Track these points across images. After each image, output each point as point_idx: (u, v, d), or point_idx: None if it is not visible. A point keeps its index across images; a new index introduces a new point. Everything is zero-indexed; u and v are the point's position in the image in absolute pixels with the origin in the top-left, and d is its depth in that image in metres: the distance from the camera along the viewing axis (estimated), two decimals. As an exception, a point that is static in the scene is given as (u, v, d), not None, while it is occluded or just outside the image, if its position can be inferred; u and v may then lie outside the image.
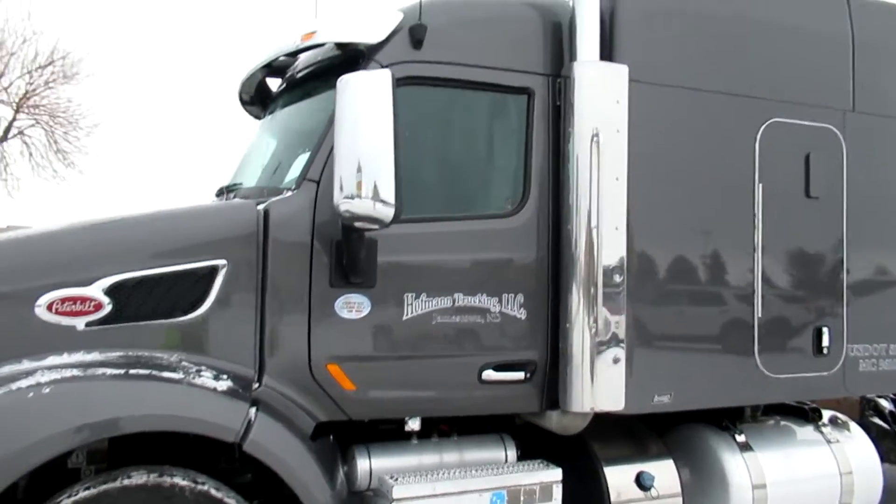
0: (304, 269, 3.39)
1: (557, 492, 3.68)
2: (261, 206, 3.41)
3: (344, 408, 3.49)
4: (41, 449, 2.77)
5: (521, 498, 3.60)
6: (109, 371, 3.03)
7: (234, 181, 4.21)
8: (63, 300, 3.13)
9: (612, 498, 3.95)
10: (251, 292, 3.35)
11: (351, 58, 3.65)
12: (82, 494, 2.88)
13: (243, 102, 4.73)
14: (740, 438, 4.37)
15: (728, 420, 4.44)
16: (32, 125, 20.43)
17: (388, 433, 3.81)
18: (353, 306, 3.45)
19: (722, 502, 4.27)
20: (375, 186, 3.04)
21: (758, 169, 4.16)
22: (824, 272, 4.38)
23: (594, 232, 3.66)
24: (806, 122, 4.32)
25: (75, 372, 2.99)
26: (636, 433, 4.30)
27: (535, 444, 4.09)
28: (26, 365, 3.02)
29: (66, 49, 21.46)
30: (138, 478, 2.95)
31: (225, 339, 3.32)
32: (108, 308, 3.18)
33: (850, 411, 5.80)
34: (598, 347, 3.68)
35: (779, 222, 4.22)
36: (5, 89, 19.72)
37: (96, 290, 3.17)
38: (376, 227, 3.17)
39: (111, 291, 3.19)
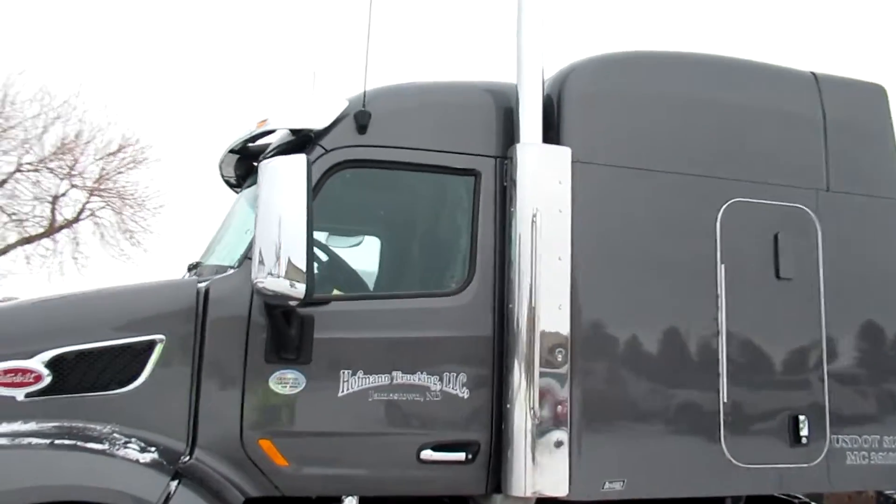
0: (240, 344, 3.48)
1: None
2: (202, 284, 3.54)
3: (277, 483, 3.49)
4: None
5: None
6: (36, 441, 3.15)
7: (201, 258, 4.39)
8: (4, 371, 3.30)
9: None
10: (186, 366, 3.44)
11: (302, 142, 3.83)
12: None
13: (225, 181, 4.96)
14: (713, 536, 4.11)
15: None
16: (103, 207, 21.82)
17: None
18: (287, 382, 3.50)
19: None
20: (289, 265, 3.14)
21: (719, 249, 4.06)
22: (800, 356, 4.16)
23: (535, 311, 3.63)
24: (773, 202, 4.22)
25: (4, 442, 3.12)
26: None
27: None
28: None
29: (136, 136, 22.98)
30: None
31: (158, 412, 3.40)
32: (47, 380, 3.33)
33: (864, 506, 5.42)
34: (540, 429, 3.59)
35: (746, 303, 4.07)
36: (80, 174, 21.23)
37: (37, 363, 3.33)
38: (292, 304, 3.24)
39: (51, 364, 3.34)
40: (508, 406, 3.63)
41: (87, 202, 21.72)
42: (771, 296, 4.15)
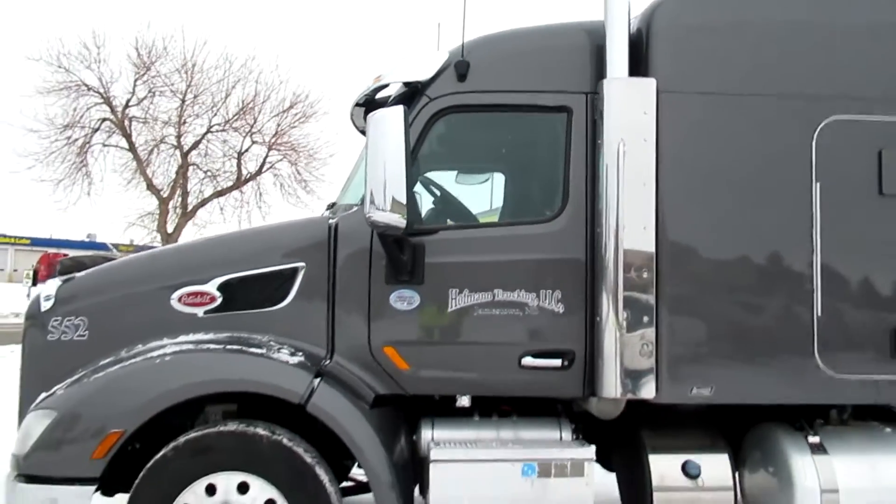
0: (364, 269, 4.15)
1: (589, 468, 4.02)
2: (332, 220, 4.25)
3: (400, 384, 4.17)
4: (160, 399, 3.83)
5: (553, 471, 4.00)
6: (213, 346, 4.04)
7: (337, 198, 5.11)
8: (190, 294, 4.21)
9: (655, 482, 4.17)
10: (323, 288, 4.18)
11: (411, 93, 4.37)
12: (193, 435, 3.88)
13: (358, 131, 5.61)
14: (813, 440, 4.29)
15: (805, 420, 4.40)
16: (280, 160, 24.03)
17: (456, 410, 4.41)
18: (404, 299, 4.14)
19: (789, 502, 4.25)
20: (393, 201, 3.72)
21: (814, 168, 4.12)
22: (904, 270, 4.17)
23: (621, 233, 3.97)
24: (876, 118, 4.18)
25: (190, 346, 4.04)
26: (696, 427, 4.42)
27: (598, 431, 4.46)
28: (165, 342, 4.13)
29: (305, 93, 24.86)
30: (231, 426, 3.91)
31: (304, 325, 4.18)
32: (219, 300, 4.21)
33: None
34: (627, 339, 3.97)
35: (843, 219, 4.13)
36: (259, 131, 23.47)
37: (211, 287, 4.22)
38: (397, 233, 3.83)
39: (221, 287, 4.21)
40: (598, 319, 4.03)
41: (267, 156, 24.00)
42: (873, 212, 4.16)
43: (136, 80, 22.20)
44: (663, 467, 4.20)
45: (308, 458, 3.88)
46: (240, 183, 23.98)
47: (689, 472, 4.17)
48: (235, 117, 23.07)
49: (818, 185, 4.12)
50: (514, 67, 4.29)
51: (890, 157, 4.14)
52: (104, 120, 22.35)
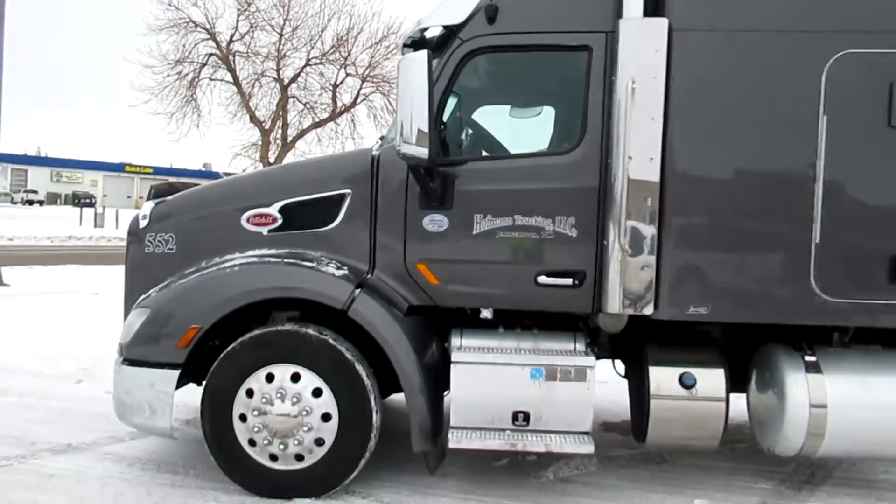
0: (401, 195, 4.72)
1: (591, 375, 4.54)
2: (375, 152, 4.82)
3: (431, 295, 4.78)
4: (227, 302, 4.62)
5: (558, 375, 4.55)
6: (273, 259, 4.77)
7: (387, 132, 5.67)
8: (256, 215, 4.94)
9: (653, 390, 4.65)
10: (367, 212, 4.80)
11: (447, 35, 4.81)
12: (256, 332, 4.67)
13: None
14: (810, 359, 4.62)
15: (806, 342, 4.71)
16: (373, 91, 24.71)
17: (484, 323, 5.00)
18: (435, 223, 4.70)
19: (779, 416, 4.64)
20: (419, 134, 4.24)
21: (823, 101, 4.31)
22: (909, 202, 4.33)
23: (628, 163, 4.35)
24: (888, 51, 4.28)
25: (254, 260, 4.79)
26: (697, 345, 4.82)
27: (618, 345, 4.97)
28: (236, 255, 4.90)
29: (398, 24, 25.18)
30: (287, 326, 4.67)
31: (350, 244, 4.84)
32: (280, 221, 4.91)
33: None
34: (630, 262, 4.40)
35: (851, 151, 4.32)
36: (353, 63, 24.15)
37: (274, 210, 4.92)
38: (422, 163, 4.36)
39: (282, 210, 4.91)
40: (605, 242, 4.47)
41: (361, 88, 24.74)
42: (880, 143, 4.32)
43: (238, 16, 23.34)
44: (662, 377, 4.66)
45: (349, 356, 4.59)
46: (335, 115, 24.96)
47: (685, 382, 4.61)
48: (331, 50, 23.85)
49: (825, 118, 4.31)
50: (538, 9, 4.64)
51: None
52: (211, 55, 23.72)
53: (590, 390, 4.56)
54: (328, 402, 4.59)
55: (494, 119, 5.12)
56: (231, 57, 23.60)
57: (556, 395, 4.56)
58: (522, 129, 5.12)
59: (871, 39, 4.29)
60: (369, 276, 4.80)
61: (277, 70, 21.69)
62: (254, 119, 24.31)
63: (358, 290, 4.66)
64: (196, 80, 23.64)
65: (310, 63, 24.13)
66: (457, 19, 4.70)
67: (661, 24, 4.33)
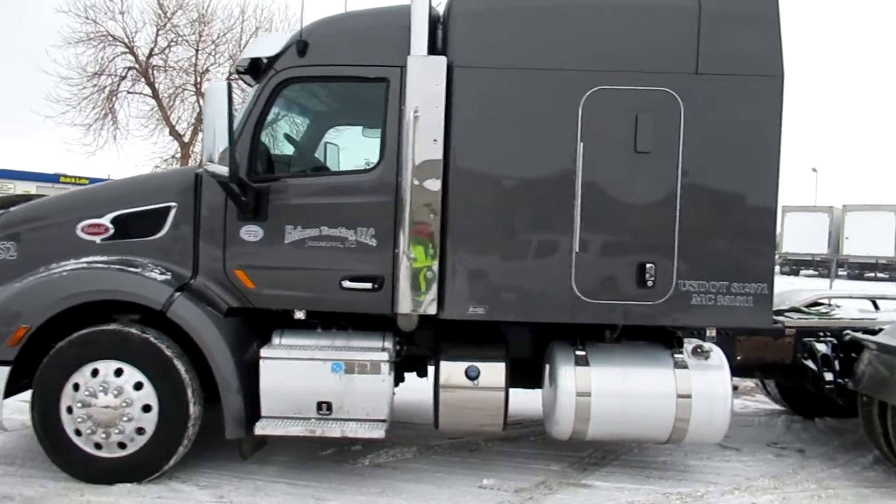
0: (221, 208, 5.24)
1: (385, 368, 5.11)
2: (198, 171, 5.34)
3: (248, 299, 5.29)
4: (55, 304, 5.04)
5: (356, 369, 5.11)
6: (102, 266, 5.23)
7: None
8: (90, 225, 5.39)
9: (442, 380, 5.27)
10: (190, 223, 5.30)
11: (269, 64, 5.36)
12: (83, 331, 5.10)
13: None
14: (580, 353, 5.29)
15: (580, 338, 5.39)
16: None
17: (307, 324, 5.52)
18: (251, 233, 5.23)
19: (552, 403, 5.30)
20: (219, 155, 4.77)
21: (580, 129, 5.01)
22: (652, 216, 5.05)
23: (414, 180, 4.96)
24: (635, 87, 5.02)
25: (84, 266, 5.24)
26: (486, 342, 5.44)
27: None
28: (70, 262, 5.33)
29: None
30: (112, 326, 5.13)
31: (175, 251, 5.32)
32: (112, 231, 5.37)
33: (784, 352, 6.16)
34: (415, 266, 5.00)
35: (603, 172, 5.03)
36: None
37: (106, 220, 5.38)
38: (225, 180, 4.89)
39: (114, 221, 5.37)
40: (397, 251, 5.06)
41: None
42: (628, 166, 5.04)
43: (157, 31, 23.52)
44: (451, 370, 5.27)
45: (169, 352, 5.07)
46: (258, 129, 25.26)
47: (470, 374, 5.23)
48: (251, 66, 24.17)
49: (582, 144, 5.01)
50: (343, 45, 5.25)
51: (644, 119, 5.00)
52: (130, 69, 23.83)
53: (385, 382, 5.13)
54: (149, 394, 5.06)
55: (308, 139, 5.71)
56: (150, 71, 23.78)
57: (355, 387, 5.12)
58: (332, 149, 5.72)
59: (619, 77, 5.02)
60: (192, 280, 5.29)
61: (196, 84, 21.92)
62: (173, 132, 24.46)
63: (178, 294, 5.14)
64: (115, 93, 23.73)
65: (231, 78, 24.32)
66: (272, 52, 5.27)
67: (441, 61, 4.98)
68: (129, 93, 24.24)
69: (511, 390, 5.67)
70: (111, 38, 23.49)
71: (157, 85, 23.55)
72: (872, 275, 36.76)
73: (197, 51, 23.17)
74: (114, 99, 23.72)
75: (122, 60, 23.99)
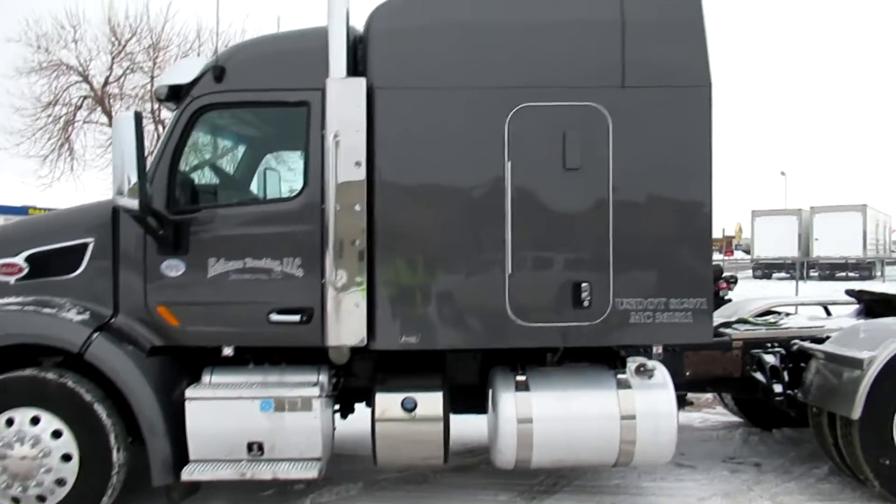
0: (140, 242, 5.02)
1: (316, 404, 4.89)
2: (115, 204, 5.11)
3: (172, 336, 5.06)
4: None
5: (286, 406, 4.89)
6: (15, 308, 4.97)
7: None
8: (2, 265, 5.14)
9: (377, 413, 5.06)
10: (108, 259, 5.07)
11: (187, 90, 5.16)
12: (-4, 378, 4.86)
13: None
14: (520, 378, 5.11)
15: (520, 362, 5.21)
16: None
17: (238, 360, 5.29)
18: (172, 267, 5.01)
19: (495, 431, 5.11)
20: (130, 188, 4.57)
21: (507, 148, 4.87)
22: (585, 234, 4.91)
23: (338, 207, 4.76)
24: (561, 104, 4.89)
25: (-5, 308, 4.99)
26: (423, 371, 5.23)
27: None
28: None
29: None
30: (26, 372, 4.86)
31: (94, 289, 5.08)
32: (26, 270, 5.13)
33: (732, 365, 6.04)
34: (343, 297, 4.80)
35: (532, 190, 4.89)
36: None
37: (20, 259, 5.13)
38: (136, 214, 4.68)
39: (28, 260, 5.13)
40: (324, 281, 4.87)
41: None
42: (558, 183, 4.90)
43: (112, 59, 23.22)
44: (386, 402, 5.07)
45: (88, 397, 4.82)
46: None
47: (406, 406, 5.03)
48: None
49: (509, 163, 4.87)
50: (261, 69, 5.08)
51: (572, 137, 4.87)
52: (85, 98, 23.47)
53: (317, 419, 4.91)
54: (68, 442, 4.80)
55: (231, 167, 5.51)
56: (106, 99, 23.43)
57: (286, 425, 4.90)
58: (257, 177, 5.52)
59: (545, 94, 4.89)
60: (113, 319, 5.05)
61: (153, 112, 21.64)
62: (133, 161, 23.82)
63: (96, 334, 4.90)
64: (71, 122, 23.32)
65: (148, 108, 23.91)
66: (188, 78, 5.07)
67: (360, 83, 4.81)
68: (85, 122, 23.87)
69: (462, 417, 5.51)
70: (65, 67, 23.15)
71: (113, 113, 23.18)
72: (844, 275, 37.12)
73: (152, 77, 22.83)
74: (70, 129, 23.37)
75: (77, 89, 23.65)
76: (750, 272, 39.74)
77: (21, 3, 32.21)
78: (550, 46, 4.92)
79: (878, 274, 38.36)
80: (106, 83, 23.70)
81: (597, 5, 4.98)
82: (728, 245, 61.62)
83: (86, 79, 23.54)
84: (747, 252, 49.85)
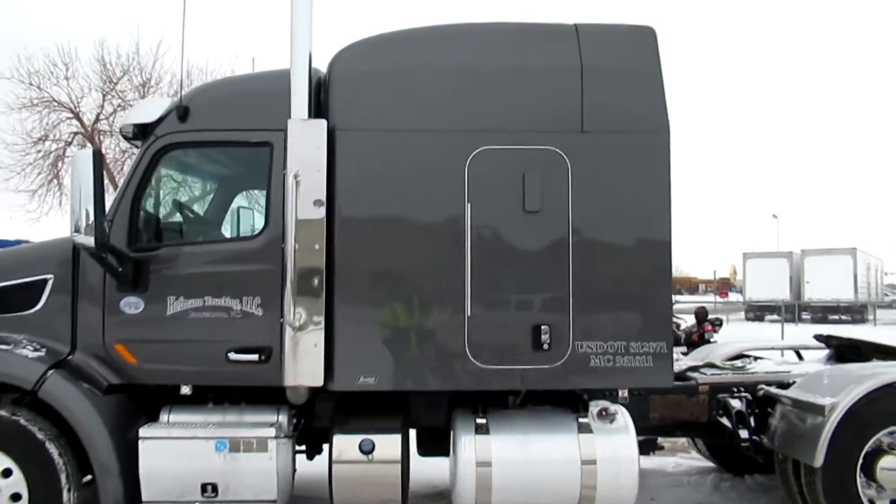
0: (100, 280, 5.01)
1: (272, 445, 4.83)
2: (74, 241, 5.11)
3: (130, 375, 5.01)
4: None
5: (241, 447, 4.82)
6: (-31, 345, 4.94)
7: None
8: (-41, 302, 5.12)
9: (335, 455, 4.98)
10: (67, 295, 5.04)
11: (151, 129, 5.20)
12: (-50, 418, 4.78)
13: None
14: (480, 420, 5.06)
15: (482, 404, 5.17)
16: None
17: (197, 399, 5.23)
18: (131, 304, 4.99)
19: (454, 474, 5.05)
20: (86, 226, 4.57)
21: (467, 190, 4.90)
22: (545, 277, 4.92)
23: (297, 246, 4.77)
24: (521, 147, 4.94)
25: (-51, 346, 4.94)
26: (382, 412, 5.17)
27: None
28: None
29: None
30: (-22, 411, 4.80)
31: (51, 326, 5.04)
32: (-17, 307, 5.11)
33: (699, 410, 6.00)
34: (300, 337, 4.78)
35: (492, 232, 4.92)
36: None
37: None
38: (93, 251, 4.67)
39: (-14, 296, 5.11)
40: (282, 320, 4.84)
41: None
42: (518, 226, 4.93)
43: (104, 97, 23.41)
44: (343, 444, 5.00)
45: (40, 435, 4.75)
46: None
47: (363, 448, 4.96)
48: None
49: (469, 205, 4.90)
50: (225, 108, 5.13)
51: (531, 179, 4.91)
52: (76, 134, 23.58)
53: (272, 460, 4.84)
54: (17, 482, 4.73)
55: (194, 206, 5.53)
56: (97, 136, 23.55)
57: (240, 466, 4.83)
58: (217, 216, 5.54)
59: (505, 137, 4.95)
60: (70, 357, 5.00)
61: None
62: (123, 196, 23.84)
63: (51, 371, 4.85)
64: (61, 157, 23.38)
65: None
66: (152, 117, 5.11)
67: (321, 124, 4.86)
68: (75, 158, 23.81)
69: (431, 458, 5.43)
70: (56, 104, 23.29)
71: (104, 150, 23.31)
72: (836, 318, 37.03)
73: (143, 115, 23.00)
74: (59, 164, 23.42)
75: (68, 126, 23.75)
76: (741, 314, 39.67)
77: (13, 41, 32.60)
78: (510, 91, 4.99)
79: (871, 317, 38.29)
80: (97, 120, 23.83)
81: (556, 51, 5.07)
82: (722, 286, 61.70)
83: (77, 115, 23.67)
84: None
